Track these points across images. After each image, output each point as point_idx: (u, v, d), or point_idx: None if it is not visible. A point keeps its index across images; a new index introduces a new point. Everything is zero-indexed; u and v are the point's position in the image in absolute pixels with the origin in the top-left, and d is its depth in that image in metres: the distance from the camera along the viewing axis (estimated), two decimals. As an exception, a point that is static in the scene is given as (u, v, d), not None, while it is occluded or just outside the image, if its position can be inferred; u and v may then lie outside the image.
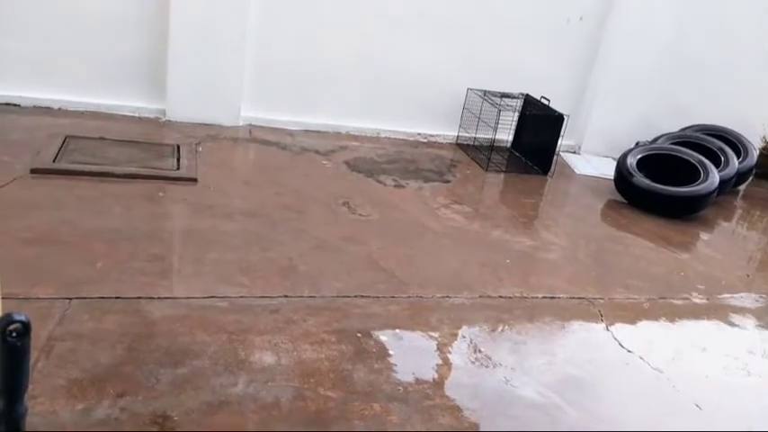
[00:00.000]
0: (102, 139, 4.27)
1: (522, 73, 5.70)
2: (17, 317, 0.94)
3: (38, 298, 2.58)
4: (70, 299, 2.60)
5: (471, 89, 5.55)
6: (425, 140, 5.72)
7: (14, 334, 0.94)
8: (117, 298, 2.67)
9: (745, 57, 6.22)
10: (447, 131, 5.77)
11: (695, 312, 3.49)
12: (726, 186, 5.18)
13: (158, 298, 2.72)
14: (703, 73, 6.16)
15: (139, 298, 2.70)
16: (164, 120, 4.91)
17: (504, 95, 5.54)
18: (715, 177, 4.85)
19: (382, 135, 5.62)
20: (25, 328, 0.95)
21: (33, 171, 3.65)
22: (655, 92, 5.99)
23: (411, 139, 5.69)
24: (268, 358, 2.44)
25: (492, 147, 5.38)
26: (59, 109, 4.71)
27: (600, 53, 5.86)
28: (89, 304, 2.60)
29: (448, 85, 5.59)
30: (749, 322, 3.51)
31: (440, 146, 5.67)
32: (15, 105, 4.61)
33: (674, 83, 6.09)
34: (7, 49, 4.51)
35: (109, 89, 4.80)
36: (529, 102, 5.52)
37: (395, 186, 4.53)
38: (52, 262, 2.86)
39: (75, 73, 4.71)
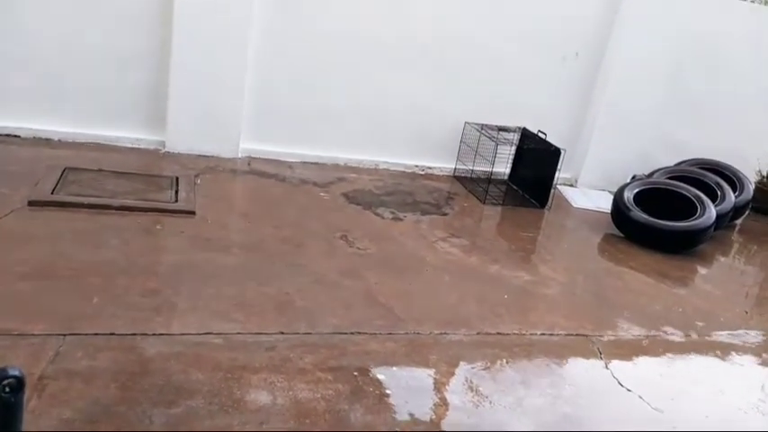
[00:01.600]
0: (100, 170, 4.28)
1: (519, 107, 5.75)
2: (11, 371, 0.93)
3: (32, 334, 2.55)
4: (64, 335, 2.58)
5: (468, 123, 5.60)
6: (423, 172, 5.75)
7: (8, 389, 0.93)
8: (111, 334, 2.65)
9: (740, 93, 6.29)
10: (444, 164, 5.79)
11: (695, 350, 3.47)
12: (722, 221, 5.19)
13: (153, 334, 2.69)
14: (698, 108, 6.23)
15: (134, 334, 2.67)
16: (163, 151, 4.92)
17: (501, 129, 5.58)
18: (712, 212, 4.86)
19: (380, 167, 5.65)
20: (19, 383, 0.94)
21: (31, 203, 3.65)
22: (651, 126, 6.04)
23: (409, 171, 5.72)
24: (263, 398, 2.41)
25: (489, 180, 5.40)
26: (59, 140, 4.73)
27: (596, 88, 5.93)
28: (83, 341, 2.58)
29: (445, 119, 5.64)
30: (749, 360, 3.48)
31: (437, 178, 5.69)
32: (15, 137, 4.63)
33: (670, 118, 6.15)
34: (8, 81, 4.55)
35: (109, 121, 4.82)
36: (526, 135, 5.56)
37: (393, 219, 4.53)
38: (47, 297, 2.84)
39: (75, 105, 4.74)
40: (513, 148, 5.57)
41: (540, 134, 5.40)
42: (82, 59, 4.66)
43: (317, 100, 5.30)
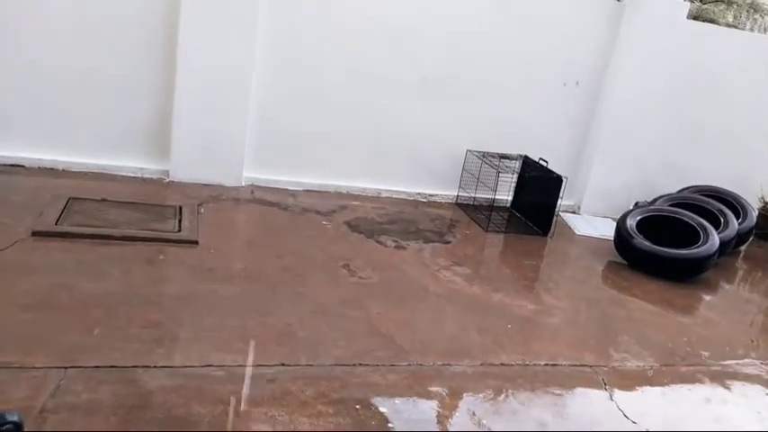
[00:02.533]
0: (104, 200, 4.30)
1: (520, 135, 5.79)
2: (9, 417, 0.92)
3: (33, 367, 2.54)
4: (65, 368, 2.57)
5: (470, 151, 5.62)
6: (425, 200, 5.76)
7: (7, 434, 0.92)
8: (112, 367, 2.64)
9: (741, 120, 6.33)
10: (447, 191, 5.81)
11: (700, 380, 3.44)
12: (726, 248, 5.17)
13: (154, 367, 2.68)
14: (699, 135, 6.27)
15: (135, 367, 2.66)
16: (167, 180, 4.95)
17: (502, 157, 5.60)
18: (715, 239, 4.85)
19: (383, 194, 5.66)
20: (18, 428, 0.93)
21: (35, 233, 3.66)
22: (652, 153, 6.07)
23: (411, 198, 5.73)
24: (264, 432, 2.39)
25: (492, 207, 5.40)
26: (64, 170, 4.76)
27: (597, 116, 5.96)
28: (84, 373, 2.57)
29: (447, 147, 5.67)
30: (755, 390, 3.45)
31: (440, 205, 5.70)
32: (20, 166, 4.66)
33: (671, 145, 6.19)
34: (14, 112, 4.59)
35: (114, 150, 4.86)
36: (527, 163, 5.58)
37: (395, 247, 4.53)
38: (49, 329, 2.83)
39: (80, 134, 4.79)
40: (515, 175, 5.59)
41: (541, 161, 5.42)
42: (86, 89, 4.72)
43: (319, 129, 5.34)
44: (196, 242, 3.95)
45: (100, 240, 3.74)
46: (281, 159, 5.32)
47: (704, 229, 4.91)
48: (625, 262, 4.97)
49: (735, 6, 14.64)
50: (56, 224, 3.80)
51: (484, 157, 5.54)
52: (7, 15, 4.38)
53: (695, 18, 14.09)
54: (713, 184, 5.96)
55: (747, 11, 14.83)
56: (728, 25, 14.52)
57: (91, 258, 3.54)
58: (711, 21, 14.18)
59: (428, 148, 5.67)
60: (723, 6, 14.31)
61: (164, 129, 4.90)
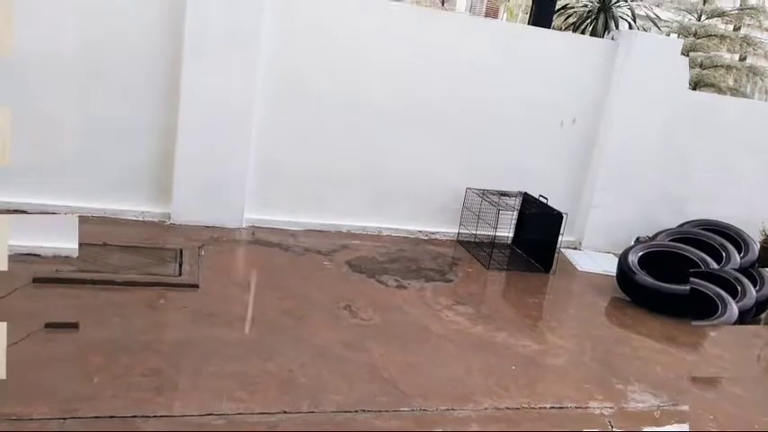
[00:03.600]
0: (105, 245, 4.30)
1: (519, 172, 5.82)
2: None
3: (31, 419, 2.52)
4: (64, 419, 2.54)
5: (470, 188, 5.64)
6: (426, 238, 5.76)
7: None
8: (112, 417, 2.61)
9: (737, 153, 6.36)
10: (448, 228, 5.81)
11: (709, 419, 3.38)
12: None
13: (154, 416, 2.65)
14: (698, 169, 6.28)
15: (135, 416, 2.63)
16: (168, 223, 4.96)
17: (502, 194, 5.62)
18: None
19: (384, 233, 5.66)
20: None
21: (36, 280, 3.65)
22: (651, 188, 6.08)
23: (412, 236, 5.73)
24: (266, 484, 2.34)
25: (493, 244, 5.39)
26: (66, 215, 4.77)
27: (595, 152, 6.00)
28: (83, 424, 2.54)
29: (447, 184, 5.70)
30: (765, 430, 3.39)
31: (441, 243, 5.69)
32: (22, 212, 4.67)
33: (671, 179, 6.21)
34: (16, 156, 4.57)
35: (115, 194, 4.88)
36: (527, 200, 5.60)
37: (397, 287, 4.51)
38: (49, 377, 2.81)
39: (82, 179, 4.81)
40: (516, 212, 5.60)
41: (541, 198, 5.44)
42: (89, 134, 4.76)
43: (320, 168, 5.37)
44: (197, 285, 3.94)
45: (101, 286, 3.73)
46: (282, 199, 5.34)
47: (706, 264, 4.90)
48: (628, 298, 4.94)
49: (734, 71, 14.87)
50: (57, 270, 3.79)
51: (484, 194, 5.56)
52: (11, 60, 4.43)
53: (696, 83, 14.34)
54: (714, 218, 5.96)
55: (747, 75, 15.08)
56: (729, 88, 14.75)
57: (92, 304, 3.52)
58: (712, 85, 14.42)
59: (428, 186, 5.70)
60: (723, 71, 14.53)
61: (165, 172, 4.94)
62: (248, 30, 4.81)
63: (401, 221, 5.72)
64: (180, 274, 4.04)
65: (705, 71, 14.66)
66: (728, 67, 15.09)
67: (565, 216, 5.20)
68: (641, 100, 5.81)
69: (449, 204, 5.72)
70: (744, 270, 5.42)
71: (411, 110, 5.48)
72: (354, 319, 3.88)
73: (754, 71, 15.43)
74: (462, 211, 5.70)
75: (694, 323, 4.65)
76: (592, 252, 5.98)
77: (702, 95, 6.12)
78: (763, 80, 15.66)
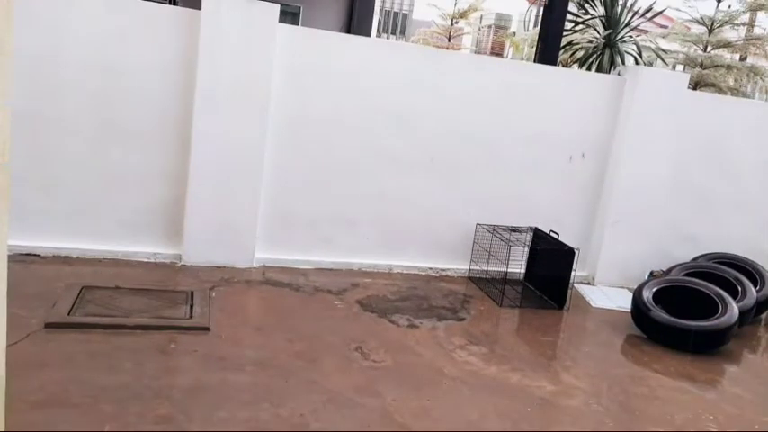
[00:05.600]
0: (117, 288, 4.31)
1: (530, 207, 5.82)
2: None
3: (42, 471, 2.49)
4: (75, 470, 2.51)
5: (480, 224, 5.63)
6: (437, 275, 5.73)
7: None
8: (123, 468, 2.57)
9: (750, 185, 6.32)
10: (459, 265, 5.79)
11: (731, 464, 3.30)
12: (746, 317, 5.07)
13: (165, 467, 2.61)
14: (710, 202, 6.25)
15: (146, 467, 2.60)
16: (180, 264, 4.98)
17: (512, 230, 5.61)
18: (734, 309, 4.76)
19: (394, 270, 5.65)
20: None
21: (48, 325, 3.66)
22: (664, 221, 6.06)
23: (423, 273, 5.71)
24: None
25: (505, 280, 5.36)
26: (78, 258, 4.80)
27: (605, 186, 5.99)
28: (94, 476, 2.51)
29: (458, 221, 5.70)
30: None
31: (452, 280, 5.66)
32: (36, 255, 4.72)
33: (682, 212, 6.17)
34: (29, 201, 4.67)
35: (127, 236, 4.92)
36: (538, 236, 5.58)
37: (408, 326, 4.48)
38: (60, 427, 2.79)
39: (94, 222, 4.86)
40: (527, 249, 5.57)
41: (552, 234, 5.41)
42: (101, 176, 4.83)
43: (330, 207, 5.40)
44: (207, 328, 3.93)
45: (112, 330, 3.73)
46: (293, 239, 5.36)
47: (722, 298, 4.83)
48: (644, 335, 4.87)
49: (735, 70, 14.92)
50: (68, 315, 3.80)
51: (494, 230, 5.54)
52: (27, 106, 4.52)
53: (696, 83, 14.38)
54: (728, 251, 5.90)
55: (747, 74, 15.12)
56: (730, 88, 14.76)
57: (103, 350, 3.52)
58: (713, 85, 14.43)
59: (439, 223, 5.70)
60: (723, 71, 14.58)
61: (177, 213, 4.98)
62: (259, 80, 4.89)
63: (412, 259, 5.71)
64: (191, 317, 4.04)
65: (705, 71, 14.65)
66: (729, 67, 15.09)
67: (577, 251, 5.16)
68: (650, 134, 5.82)
69: (459, 241, 5.71)
70: (747, 273, 5.43)
71: (418, 149, 5.51)
72: (366, 362, 3.84)
73: (754, 71, 15.41)
74: (473, 247, 5.69)
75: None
76: (605, 287, 5.92)
77: (711, 125, 6.09)
78: (763, 80, 15.64)
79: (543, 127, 5.76)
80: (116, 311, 3.95)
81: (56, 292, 4.11)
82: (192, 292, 4.42)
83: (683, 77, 6.04)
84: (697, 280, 5.12)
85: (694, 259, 5.88)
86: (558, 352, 4.55)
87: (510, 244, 5.34)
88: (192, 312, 4.11)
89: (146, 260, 4.96)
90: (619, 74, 5.97)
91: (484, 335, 4.57)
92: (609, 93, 5.88)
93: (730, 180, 6.25)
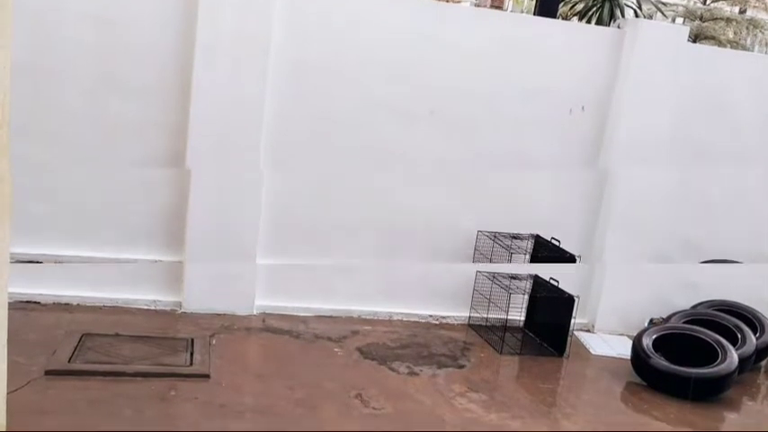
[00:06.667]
0: (117, 335, 4.33)
1: (531, 215, 5.81)
2: None
3: None
4: None
5: (481, 231, 5.66)
6: (437, 322, 5.73)
7: None
8: None
9: (750, 235, 6.37)
10: (458, 312, 5.78)
11: None
12: (746, 364, 5.05)
13: None
14: (707, 245, 6.28)
15: None
16: (180, 311, 4.99)
17: (514, 237, 5.64)
18: (734, 357, 4.76)
19: (394, 317, 5.64)
20: None
21: (48, 372, 3.68)
22: (664, 269, 6.07)
23: (423, 320, 5.70)
24: None
25: (505, 328, 5.36)
26: (78, 305, 4.82)
27: (604, 199, 5.97)
28: None
29: (458, 228, 5.68)
30: None
31: (452, 327, 5.65)
32: (36, 303, 4.73)
33: (681, 255, 6.20)
34: (34, 245, 4.72)
35: (127, 284, 4.94)
36: (539, 243, 5.63)
37: (408, 374, 4.47)
38: (58, 476, 2.78)
39: (95, 269, 4.90)
40: (527, 296, 5.59)
41: (553, 241, 5.45)
42: (100, 220, 4.90)
43: (330, 255, 5.44)
44: (208, 376, 3.93)
45: (112, 377, 3.74)
46: (293, 286, 5.36)
47: (721, 346, 4.83)
48: (644, 382, 4.85)
49: (734, 23, 14.88)
50: (69, 362, 3.82)
51: (495, 237, 5.57)
52: (29, 152, 4.59)
53: (696, 36, 14.16)
54: (727, 299, 5.91)
55: (747, 27, 15.12)
56: (729, 41, 14.61)
57: (103, 397, 3.52)
58: (713, 38, 14.30)
59: (439, 230, 5.67)
60: (723, 23, 14.54)
61: (177, 260, 5.02)
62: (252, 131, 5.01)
63: (412, 306, 5.69)
64: (191, 364, 4.04)
65: (705, 24, 14.57)
66: (728, 20, 15.03)
67: (576, 299, 5.19)
68: (649, 86, 5.73)
69: (460, 287, 5.64)
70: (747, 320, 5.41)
71: (418, 103, 5.50)
72: (366, 409, 3.83)
73: (753, 23, 15.36)
74: (473, 293, 5.71)
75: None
76: (605, 335, 5.91)
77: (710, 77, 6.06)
78: (762, 32, 15.60)
79: (543, 80, 5.71)
80: (116, 359, 3.96)
81: (56, 339, 4.13)
82: (192, 340, 4.43)
83: (682, 30, 5.99)
84: (697, 327, 5.13)
85: (694, 307, 5.88)
86: (559, 399, 4.53)
87: (510, 291, 5.37)
88: (192, 360, 4.12)
89: (146, 307, 4.97)
90: (618, 27, 5.99)
91: (484, 382, 4.56)
92: (608, 46, 5.81)
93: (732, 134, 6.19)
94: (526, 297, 5.60)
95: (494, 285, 5.53)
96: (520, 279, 5.66)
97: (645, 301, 6.01)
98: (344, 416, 3.71)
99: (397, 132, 5.50)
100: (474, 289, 5.70)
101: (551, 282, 5.45)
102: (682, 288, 6.12)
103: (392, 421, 3.71)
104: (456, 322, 5.76)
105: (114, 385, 3.66)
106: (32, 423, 3.15)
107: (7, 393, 2.18)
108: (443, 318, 5.78)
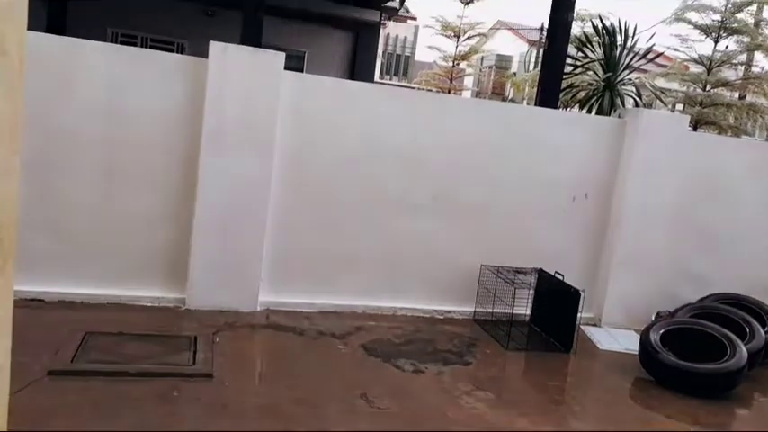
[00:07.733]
0: (120, 333, 4.30)
1: (534, 248, 5.80)
2: None
3: None
4: None
5: (484, 265, 5.62)
6: (442, 317, 5.69)
7: None
8: None
9: (754, 226, 6.31)
10: (464, 307, 5.75)
11: None
12: (755, 358, 4.99)
13: None
14: (715, 242, 6.23)
15: None
16: (183, 308, 4.96)
17: (517, 271, 5.59)
18: (743, 351, 4.70)
19: (399, 312, 5.62)
20: None
21: (50, 372, 3.64)
22: (669, 261, 6.03)
23: (427, 316, 5.67)
24: None
25: (511, 323, 5.32)
26: (82, 303, 4.79)
27: (610, 227, 5.98)
28: None
29: (462, 262, 5.68)
30: None
31: (457, 322, 5.62)
32: (40, 300, 4.71)
33: (688, 252, 6.15)
34: (35, 246, 4.68)
35: (131, 281, 4.92)
36: (543, 277, 5.55)
37: (413, 371, 4.43)
38: (59, 480, 2.75)
39: (98, 267, 4.87)
40: (532, 291, 5.54)
41: (557, 275, 5.39)
42: (107, 222, 4.85)
43: (333, 250, 5.40)
44: (211, 375, 3.90)
45: (115, 377, 3.70)
46: (297, 282, 5.35)
47: (730, 341, 4.77)
48: (652, 378, 4.80)
49: (735, 109, 15.03)
50: (72, 362, 3.78)
51: (498, 271, 5.52)
52: (35, 158, 4.58)
53: (697, 122, 14.46)
54: (734, 291, 5.86)
55: (747, 112, 15.23)
56: (730, 126, 14.82)
57: (106, 397, 3.49)
58: (713, 123, 14.51)
59: (443, 264, 5.68)
60: (723, 109, 14.69)
61: (181, 258, 4.99)
62: (263, 126, 4.95)
63: (416, 300, 5.68)
64: (194, 363, 4.01)
65: (705, 109, 14.73)
66: (728, 106, 15.19)
67: (582, 293, 5.13)
68: (652, 175, 5.84)
69: (464, 282, 5.68)
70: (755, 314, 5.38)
71: (422, 191, 5.53)
72: (371, 409, 3.79)
73: (753, 109, 15.50)
74: (478, 288, 5.66)
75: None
76: (612, 329, 5.87)
77: (710, 162, 6.13)
78: (763, 117, 15.73)
79: (546, 170, 5.79)
80: (119, 358, 3.93)
81: (59, 338, 4.09)
82: (195, 338, 4.40)
83: (683, 119, 6.09)
84: (705, 321, 5.07)
85: (701, 300, 5.83)
86: (566, 396, 4.49)
87: (515, 286, 5.32)
88: (195, 358, 4.08)
89: (149, 304, 4.95)
90: (619, 116, 6.03)
91: (490, 379, 4.52)
92: (610, 135, 5.93)
93: (735, 222, 6.24)
94: (532, 291, 5.55)
95: (499, 280, 5.48)
96: (524, 273, 5.61)
97: (651, 295, 5.98)
98: (349, 416, 3.67)
99: (399, 222, 5.54)
100: (479, 283, 5.66)
101: (557, 275, 5.39)
102: (687, 281, 6.10)
103: (397, 421, 3.67)
104: (461, 317, 5.73)
105: (117, 385, 3.63)
106: (34, 425, 3.12)
107: (10, 395, 2.13)
108: (448, 313, 5.75)
